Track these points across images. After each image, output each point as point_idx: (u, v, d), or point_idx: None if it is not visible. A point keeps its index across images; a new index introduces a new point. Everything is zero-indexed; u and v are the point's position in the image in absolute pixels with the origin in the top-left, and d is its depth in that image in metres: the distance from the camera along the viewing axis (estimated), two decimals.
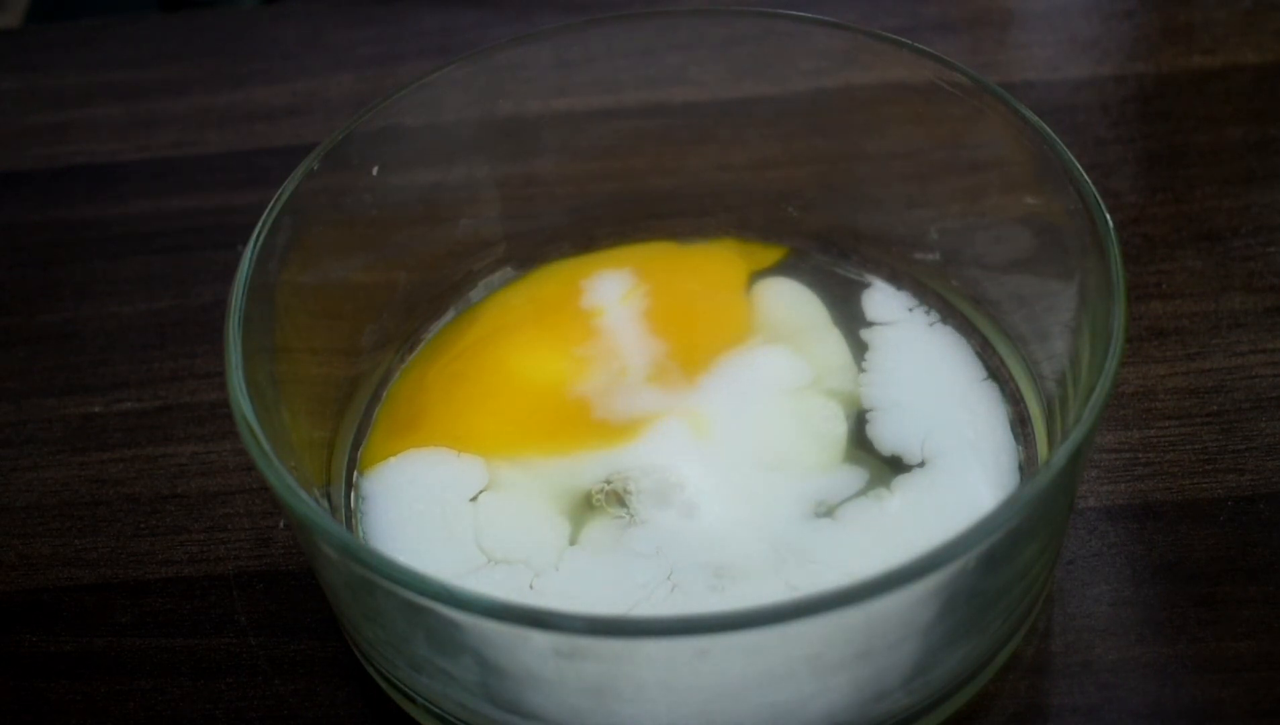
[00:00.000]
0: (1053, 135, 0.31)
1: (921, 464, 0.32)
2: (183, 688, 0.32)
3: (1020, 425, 0.33)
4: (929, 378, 0.34)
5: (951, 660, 0.28)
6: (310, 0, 0.53)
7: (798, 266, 0.37)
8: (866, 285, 0.37)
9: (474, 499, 0.32)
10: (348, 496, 0.33)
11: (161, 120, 0.47)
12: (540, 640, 0.24)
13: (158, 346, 0.39)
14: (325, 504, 0.32)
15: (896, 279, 0.37)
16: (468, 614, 0.24)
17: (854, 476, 0.32)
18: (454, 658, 0.26)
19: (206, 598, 0.33)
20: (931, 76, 0.34)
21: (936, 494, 0.31)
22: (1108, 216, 0.29)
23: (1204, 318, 0.37)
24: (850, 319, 0.36)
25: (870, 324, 0.35)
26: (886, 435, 0.32)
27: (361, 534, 0.32)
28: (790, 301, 0.36)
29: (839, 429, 0.33)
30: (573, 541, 0.31)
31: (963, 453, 0.32)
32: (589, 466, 0.32)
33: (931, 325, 0.35)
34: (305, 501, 0.26)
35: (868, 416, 0.33)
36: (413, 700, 0.29)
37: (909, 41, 0.34)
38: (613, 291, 0.37)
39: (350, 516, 0.32)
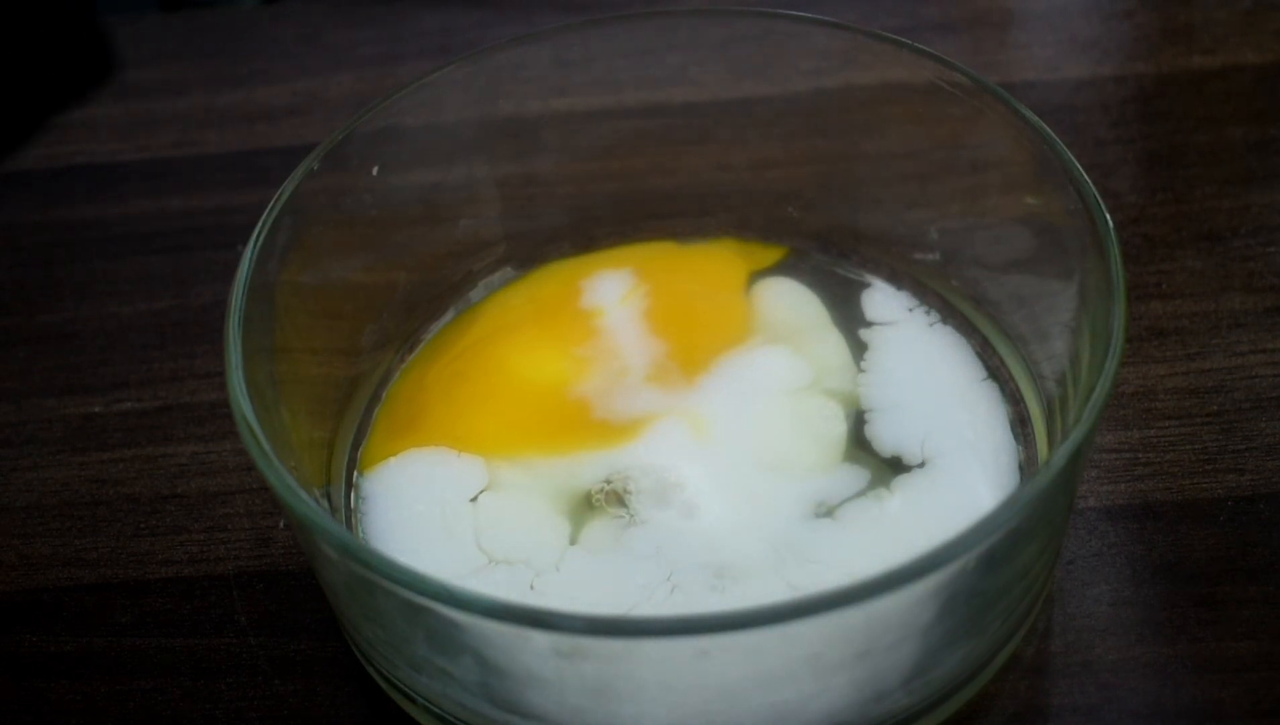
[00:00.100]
0: (1053, 135, 0.31)
1: (921, 464, 0.32)
2: (183, 688, 0.32)
3: (1020, 425, 0.33)
4: (929, 378, 0.34)
5: (951, 660, 0.28)
6: (310, 0, 0.53)
7: (798, 266, 0.37)
8: (866, 285, 0.37)
9: (474, 499, 0.32)
10: (348, 497, 0.33)
11: (161, 120, 0.47)
12: (540, 640, 0.24)
13: (158, 346, 0.39)
14: (325, 504, 0.32)
15: (896, 279, 0.37)
16: (468, 614, 0.24)
17: (854, 477, 0.32)
18: (454, 658, 0.26)
19: (206, 598, 0.33)
20: (931, 77, 0.34)
21: (936, 494, 0.31)
22: (1108, 216, 0.29)
23: (1204, 318, 0.37)
24: (850, 319, 0.36)
25: (870, 324, 0.35)
26: (886, 435, 0.32)
27: (361, 534, 0.32)
28: (790, 301, 0.36)
29: (839, 429, 0.33)
30: (573, 541, 0.31)
31: (963, 453, 0.32)
32: (589, 467, 0.32)
33: (931, 325, 0.35)
34: (305, 501, 0.26)
35: (868, 416, 0.33)
36: (413, 700, 0.29)
37: (909, 42, 0.34)
38: (612, 291, 0.37)
39: (350, 517, 0.32)
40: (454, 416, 0.34)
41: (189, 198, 0.44)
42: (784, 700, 0.26)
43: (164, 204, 0.44)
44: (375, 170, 0.35)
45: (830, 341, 0.35)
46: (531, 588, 0.30)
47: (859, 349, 0.35)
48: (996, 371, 0.34)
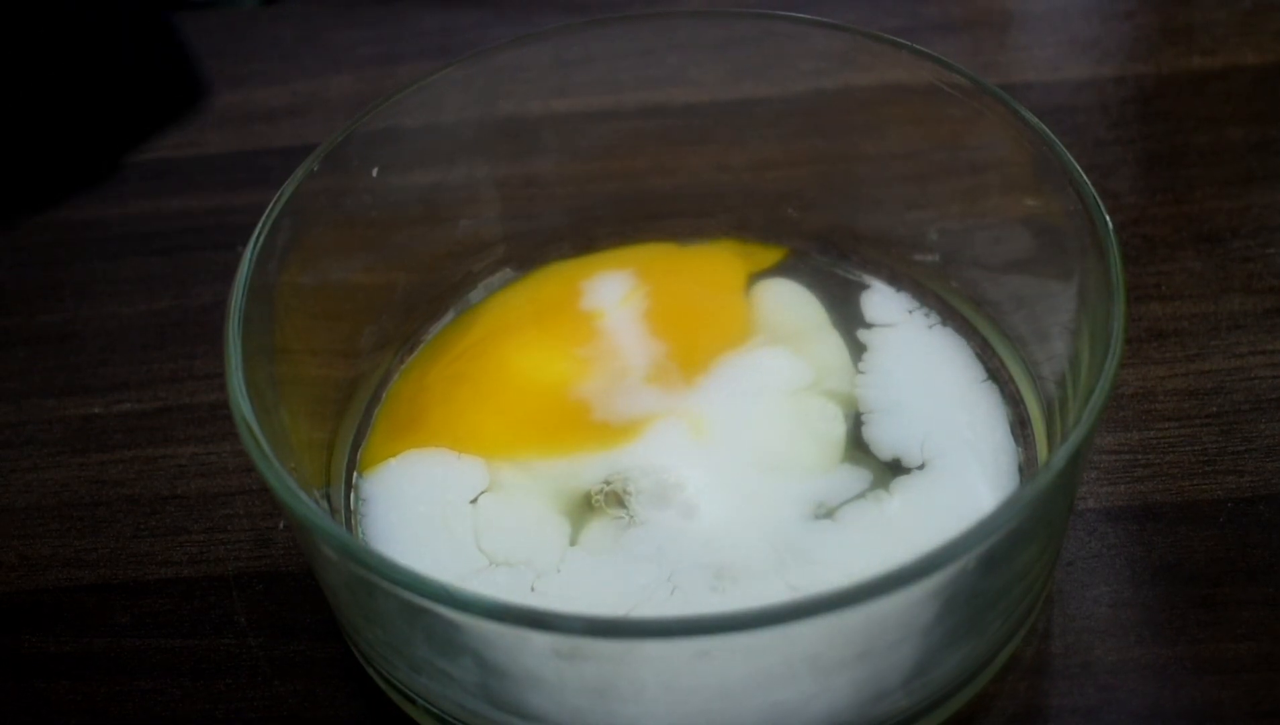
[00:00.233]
0: (1052, 136, 0.31)
1: (921, 465, 0.32)
2: (183, 688, 0.32)
3: (1020, 426, 0.33)
4: (928, 379, 0.34)
5: (951, 661, 0.28)
6: (310, 1, 0.53)
7: (797, 267, 0.37)
8: (866, 286, 0.37)
9: (474, 501, 0.32)
10: (347, 498, 0.33)
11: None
12: (540, 641, 0.24)
13: (157, 347, 0.39)
14: (325, 505, 0.32)
15: (896, 280, 0.37)
16: (468, 615, 0.24)
17: (854, 478, 0.32)
18: (454, 659, 0.26)
19: (206, 599, 0.33)
20: (931, 78, 0.34)
21: (936, 495, 0.31)
22: (1107, 218, 0.29)
23: (1204, 319, 0.37)
24: (850, 320, 0.36)
25: (870, 325, 0.35)
26: (886, 437, 0.32)
27: (361, 535, 0.32)
28: (790, 303, 0.36)
29: (838, 430, 0.33)
30: (572, 542, 0.31)
31: (962, 454, 0.32)
32: (589, 467, 0.32)
33: (931, 326, 0.35)
34: (305, 502, 0.26)
35: (867, 418, 0.33)
36: (413, 701, 0.29)
37: (908, 43, 0.34)
38: (612, 292, 0.37)
39: (350, 518, 0.32)
40: (454, 417, 0.34)
41: (189, 198, 0.44)
42: (784, 701, 0.26)
43: (164, 204, 0.44)
44: (375, 171, 0.35)
45: (830, 343, 0.35)
46: (533, 589, 0.30)
47: (858, 350, 0.35)
48: (996, 373, 0.34)
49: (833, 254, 0.38)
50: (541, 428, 0.33)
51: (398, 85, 0.35)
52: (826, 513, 0.31)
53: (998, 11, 0.49)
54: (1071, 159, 0.30)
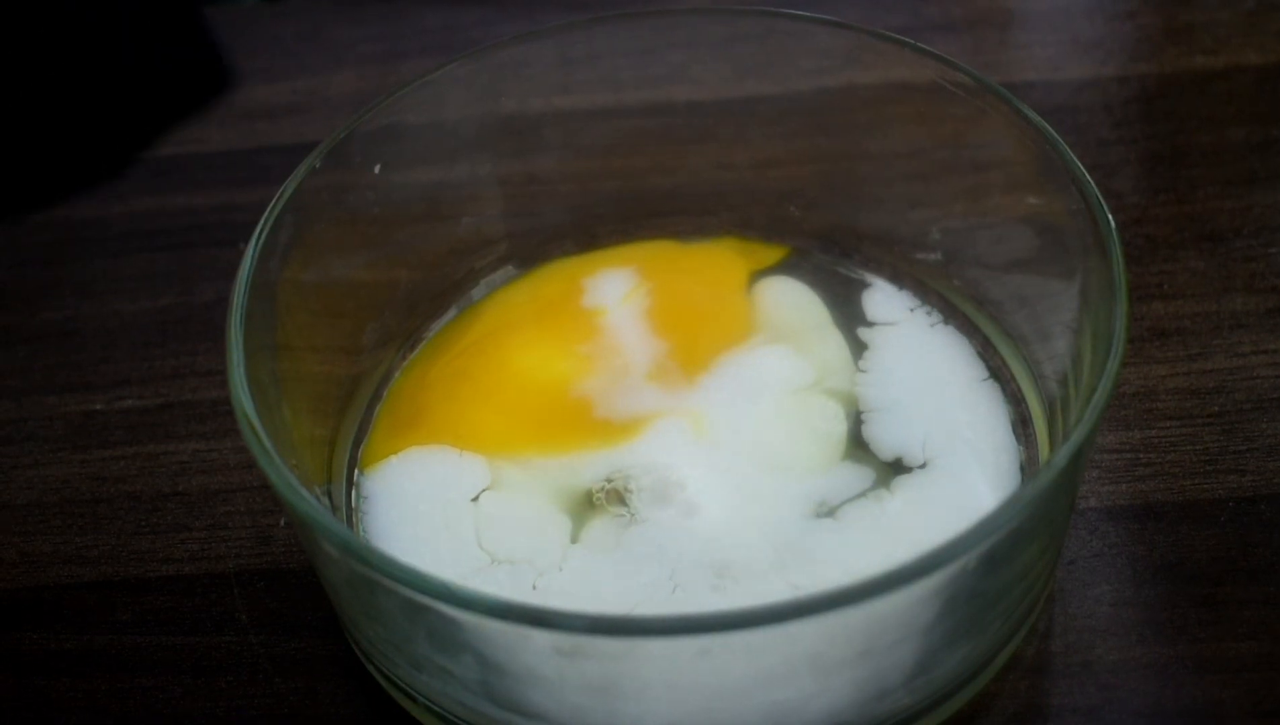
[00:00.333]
0: (1055, 135, 0.31)
1: (922, 464, 0.32)
2: (183, 685, 0.32)
3: (1021, 425, 0.33)
4: (930, 378, 0.34)
5: (952, 660, 0.28)
6: None
7: (799, 266, 0.37)
8: (868, 285, 0.37)
9: (475, 498, 0.32)
10: (349, 495, 0.33)
11: None
12: (541, 639, 0.24)
13: (159, 344, 0.39)
14: (326, 502, 0.32)
15: (898, 279, 0.37)
16: (469, 613, 0.24)
17: (855, 476, 0.32)
18: (455, 657, 0.26)
19: (207, 595, 0.33)
20: (934, 76, 0.34)
21: (937, 494, 0.31)
22: (1110, 217, 0.29)
23: (1206, 318, 0.37)
24: (851, 319, 0.36)
25: (871, 324, 0.35)
26: (887, 435, 0.32)
27: (362, 532, 0.32)
28: (791, 301, 0.36)
29: (840, 429, 0.33)
30: (574, 540, 0.31)
31: (964, 453, 0.32)
32: (590, 465, 0.32)
33: (933, 325, 0.35)
34: (306, 499, 0.26)
35: (869, 417, 0.33)
36: (413, 699, 0.29)
37: (911, 41, 0.34)
38: (614, 290, 0.36)
39: (351, 515, 0.32)
40: (456, 415, 0.34)
41: (191, 195, 0.44)
42: (785, 699, 0.26)
43: (166, 202, 0.44)
44: (377, 168, 0.35)
45: (831, 341, 0.35)
46: (534, 588, 0.30)
47: (860, 349, 0.35)
48: (998, 372, 0.34)
49: (834, 252, 0.38)
50: (543, 425, 0.33)
51: (400, 82, 0.35)
52: (828, 511, 0.31)
53: (1000, 10, 0.49)
54: (1074, 158, 0.30)
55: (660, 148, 0.40)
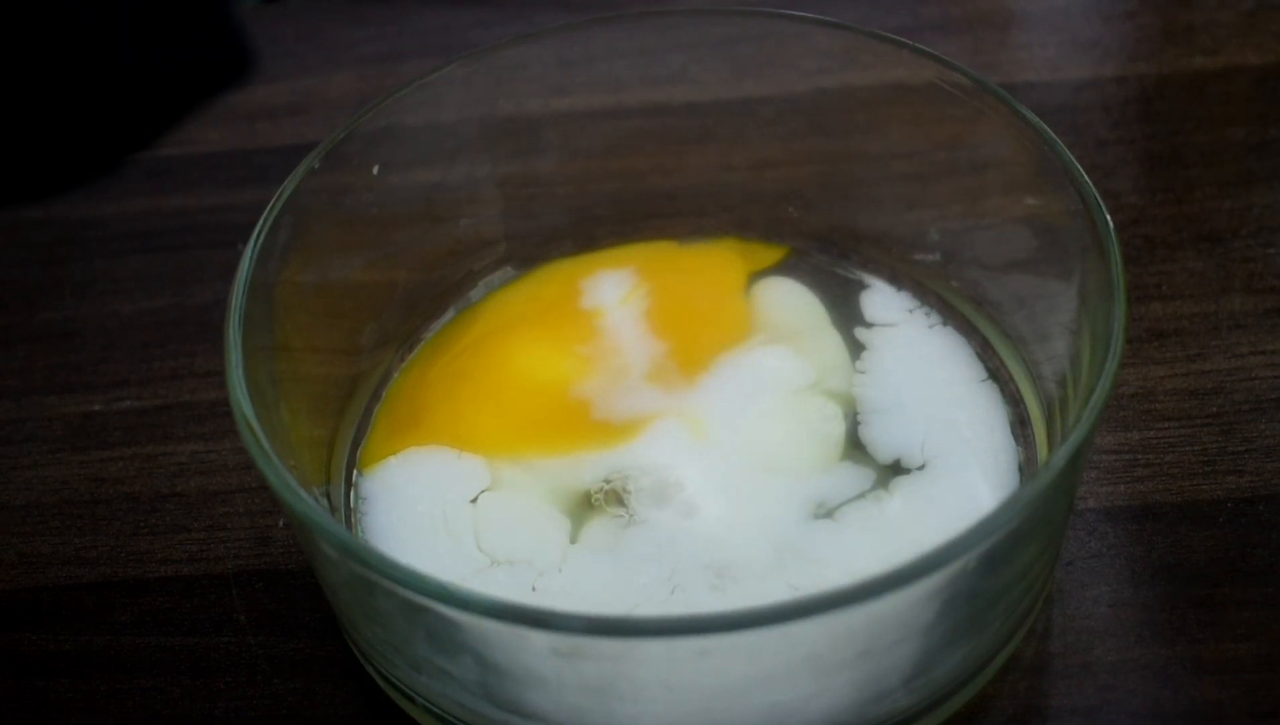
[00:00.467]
0: (1053, 136, 0.31)
1: (921, 465, 0.32)
2: (182, 686, 0.32)
3: (1020, 426, 0.33)
4: (929, 379, 0.34)
5: (951, 661, 0.28)
6: None
7: (798, 267, 0.37)
8: (866, 286, 0.37)
9: (474, 499, 0.32)
10: (347, 496, 0.33)
11: None
12: (540, 640, 0.24)
13: (158, 345, 0.39)
14: (325, 503, 0.32)
15: (897, 280, 0.37)
16: (468, 614, 0.24)
17: (854, 477, 0.32)
18: (454, 657, 0.26)
19: (206, 597, 0.33)
20: (932, 77, 0.34)
21: (936, 495, 0.31)
22: (1108, 217, 0.29)
23: (1204, 319, 0.37)
24: (850, 319, 0.36)
25: (870, 325, 0.35)
26: (886, 436, 0.32)
27: (361, 533, 0.32)
28: (790, 302, 0.36)
29: (838, 430, 0.33)
30: (573, 541, 0.31)
31: (962, 454, 0.32)
32: (589, 466, 0.32)
33: (931, 326, 0.35)
34: (305, 500, 0.26)
35: (867, 417, 0.33)
36: (412, 700, 0.29)
37: (909, 42, 0.34)
38: (613, 291, 0.37)
39: (350, 516, 0.32)
40: (454, 416, 0.34)
41: (189, 196, 0.44)
42: (784, 700, 0.26)
43: (164, 202, 0.44)
44: (376, 169, 0.35)
45: (830, 342, 0.35)
46: (533, 588, 0.30)
47: (858, 349, 0.35)
48: (996, 372, 0.34)
49: (833, 253, 0.38)
50: (542, 426, 0.33)
51: (399, 83, 0.35)
52: (826, 512, 0.31)
53: (998, 11, 0.49)
54: (1072, 159, 0.30)
55: (659, 149, 0.40)
